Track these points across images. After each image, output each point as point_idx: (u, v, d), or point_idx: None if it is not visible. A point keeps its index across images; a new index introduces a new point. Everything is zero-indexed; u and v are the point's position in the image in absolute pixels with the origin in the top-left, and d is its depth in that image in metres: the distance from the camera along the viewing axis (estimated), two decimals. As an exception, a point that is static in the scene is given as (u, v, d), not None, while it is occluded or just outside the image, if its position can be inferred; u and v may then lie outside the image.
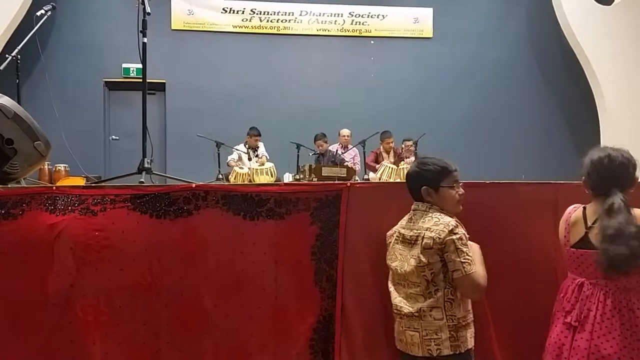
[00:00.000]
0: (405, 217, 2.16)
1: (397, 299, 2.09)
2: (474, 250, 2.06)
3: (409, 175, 2.17)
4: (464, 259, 1.96)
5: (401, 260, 2.08)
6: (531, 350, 2.33)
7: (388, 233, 2.21)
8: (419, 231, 2.04)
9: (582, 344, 1.94)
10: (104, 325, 2.20)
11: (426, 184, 2.09)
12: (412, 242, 2.05)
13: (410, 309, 2.03)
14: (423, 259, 2.00)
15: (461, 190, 2.13)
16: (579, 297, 2.01)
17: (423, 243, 2.01)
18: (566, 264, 2.12)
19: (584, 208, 2.07)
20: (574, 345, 1.96)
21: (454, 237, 1.97)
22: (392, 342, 2.25)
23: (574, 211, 2.10)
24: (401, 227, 2.14)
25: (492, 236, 2.36)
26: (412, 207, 2.15)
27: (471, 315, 2.08)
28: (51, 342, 2.18)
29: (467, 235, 2.04)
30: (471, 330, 2.06)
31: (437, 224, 2.02)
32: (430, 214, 2.07)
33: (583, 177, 2.06)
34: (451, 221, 2.01)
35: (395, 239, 2.13)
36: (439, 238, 1.98)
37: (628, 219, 1.89)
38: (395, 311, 2.11)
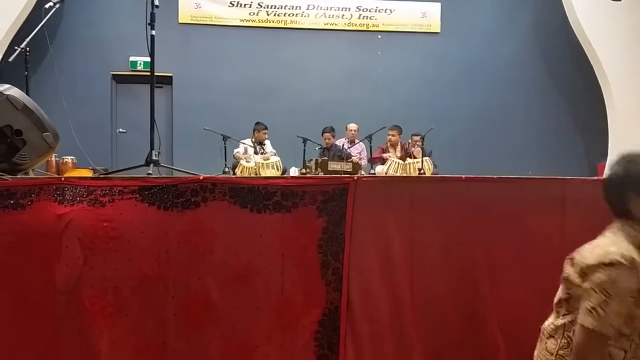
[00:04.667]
0: None
1: None
2: None
3: (624, 178, 1.54)
4: (590, 306, 1.45)
5: None
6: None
7: None
8: None
9: None
10: (112, 315, 2.21)
11: None
12: None
13: None
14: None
15: None
16: None
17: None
18: None
19: None
20: None
21: (595, 275, 1.44)
22: (397, 335, 2.25)
23: None
24: None
25: (498, 231, 2.35)
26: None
27: None
28: (59, 331, 2.20)
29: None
30: None
31: (598, 245, 1.51)
32: (608, 232, 1.56)
33: None
34: (614, 253, 1.44)
35: None
36: (582, 263, 1.51)
37: None
38: None
